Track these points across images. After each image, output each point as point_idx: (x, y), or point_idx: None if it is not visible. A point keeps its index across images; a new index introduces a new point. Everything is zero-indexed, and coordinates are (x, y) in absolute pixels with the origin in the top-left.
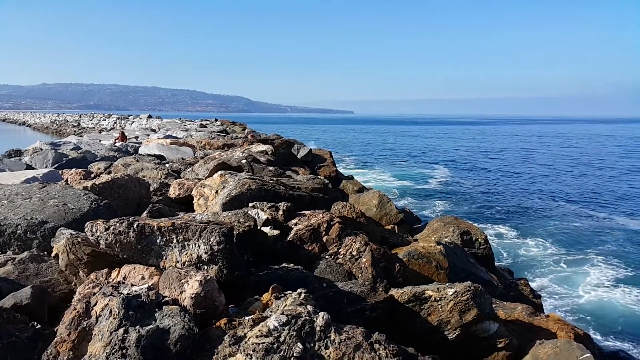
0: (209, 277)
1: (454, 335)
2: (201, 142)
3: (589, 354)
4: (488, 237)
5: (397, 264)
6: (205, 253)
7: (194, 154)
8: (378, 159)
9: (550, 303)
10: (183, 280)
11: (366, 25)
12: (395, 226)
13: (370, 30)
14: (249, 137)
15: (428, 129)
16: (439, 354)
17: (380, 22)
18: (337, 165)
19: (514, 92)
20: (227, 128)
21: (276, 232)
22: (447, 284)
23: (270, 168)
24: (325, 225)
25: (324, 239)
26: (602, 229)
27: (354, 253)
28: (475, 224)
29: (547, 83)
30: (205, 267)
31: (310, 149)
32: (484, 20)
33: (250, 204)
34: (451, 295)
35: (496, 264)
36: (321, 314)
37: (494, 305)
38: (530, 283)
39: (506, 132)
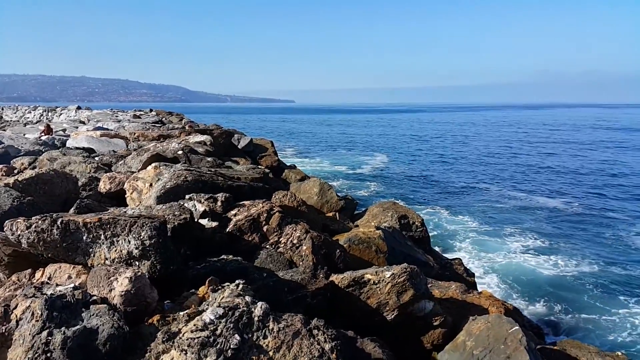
0: (139, 274)
1: (393, 316)
2: (134, 134)
3: (517, 327)
4: (424, 220)
5: (338, 250)
6: (137, 248)
7: (127, 146)
8: (321, 147)
9: (481, 279)
10: (112, 278)
11: (307, 14)
12: (337, 213)
13: (311, 19)
14: (187, 127)
15: (370, 117)
16: (378, 335)
17: (321, 11)
18: (280, 154)
19: (452, 80)
20: (163, 119)
21: (214, 223)
22: (385, 267)
23: (209, 159)
24: (265, 215)
25: (265, 228)
26: (524, 207)
27: (295, 241)
28: (412, 208)
29: (479, 71)
30: (137, 263)
31: (251, 139)
32: (425, 8)
33: (187, 196)
34: (389, 277)
35: (435, 247)
36: (259, 303)
37: (429, 285)
38: (464, 262)
39: (443, 119)
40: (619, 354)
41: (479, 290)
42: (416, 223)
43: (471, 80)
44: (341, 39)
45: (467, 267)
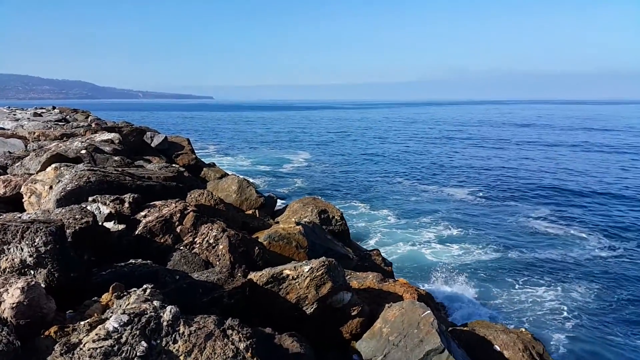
0: (33, 283)
1: (312, 310)
2: (34, 133)
3: (429, 311)
4: (344, 213)
5: (257, 248)
6: (30, 256)
7: (26, 146)
8: (243, 145)
9: (398, 267)
10: (2, 290)
11: (224, 8)
12: (256, 210)
13: (228, 13)
14: (93, 125)
15: (291, 114)
16: (298, 329)
17: (238, 6)
18: (201, 153)
19: (372, 78)
20: (67, 116)
21: (122, 226)
22: (304, 262)
23: (116, 158)
24: (178, 215)
25: (178, 229)
26: (436, 199)
27: (211, 241)
28: (332, 203)
29: (398, 69)
30: (32, 271)
31: (166, 137)
32: (342, 7)
33: (90, 198)
34: (307, 271)
35: (355, 240)
36: (169, 307)
37: (348, 277)
38: (382, 252)
39: (363, 116)
40: (523, 330)
41: (396, 278)
42: (336, 217)
43: (389, 77)
44: (261, 35)
45: (385, 257)
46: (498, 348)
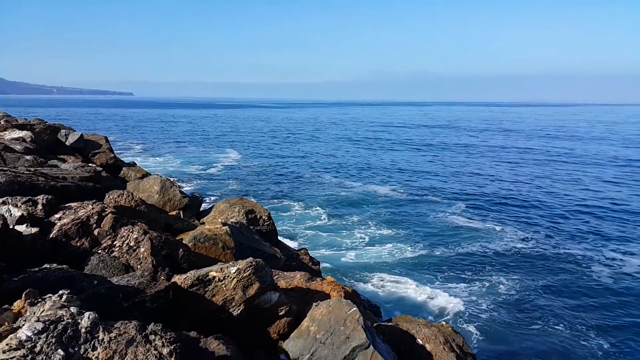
0: None
1: (239, 311)
2: None
3: (355, 308)
4: (272, 213)
5: (181, 250)
6: None
7: None
8: (169, 144)
9: (326, 266)
10: None
11: (147, 3)
12: (181, 211)
13: (152, 8)
14: (2, 122)
15: (219, 112)
16: (225, 331)
17: (159, 1)
18: (124, 153)
19: (302, 77)
20: None
21: (34, 229)
22: (230, 263)
23: (28, 157)
24: (96, 217)
25: (96, 232)
26: (363, 196)
27: (132, 244)
28: (261, 203)
29: (335, 69)
30: None
31: (82, 135)
32: (270, 6)
33: (0, 200)
34: (234, 273)
35: (284, 239)
36: (87, 314)
37: (275, 277)
38: (310, 251)
39: (290, 115)
40: (444, 323)
41: (323, 277)
42: (263, 217)
43: (316, 77)
44: (186, 30)
45: (312, 257)
46: (420, 342)
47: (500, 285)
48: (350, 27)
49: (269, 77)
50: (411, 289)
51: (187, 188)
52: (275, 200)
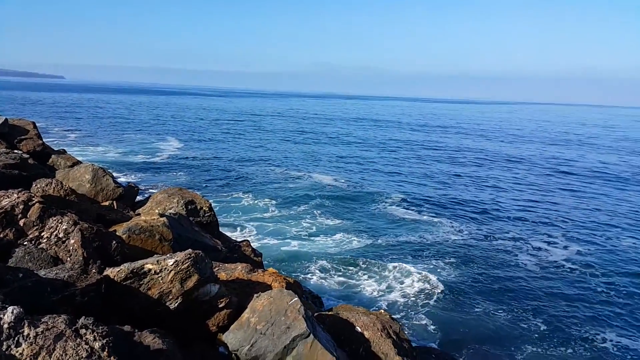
0: None
1: (177, 304)
2: None
3: (296, 298)
4: (214, 204)
5: (114, 242)
6: None
7: None
8: (105, 131)
9: (272, 255)
10: None
11: None
12: (114, 202)
13: None
14: None
15: (156, 99)
16: (162, 325)
17: None
18: (54, 140)
19: (243, 66)
20: None
21: None
22: (168, 255)
23: None
24: (22, 207)
25: (21, 222)
26: (309, 188)
27: (61, 235)
28: (202, 194)
29: (278, 59)
30: None
31: (6, 119)
32: None
33: None
34: (172, 265)
35: (226, 230)
36: (10, 308)
37: (216, 269)
38: (257, 242)
39: (235, 104)
40: (382, 311)
41: (265, 268)
42: (204, 208)
43: (257, 67)
44: (120, 11)
45: (255, 248)
46: (359, 329)
47: (439, 274)
48: (296, 16)
49: (208, 65)
50: (353, 278)
51: (127, 179)
52: (222, 192)
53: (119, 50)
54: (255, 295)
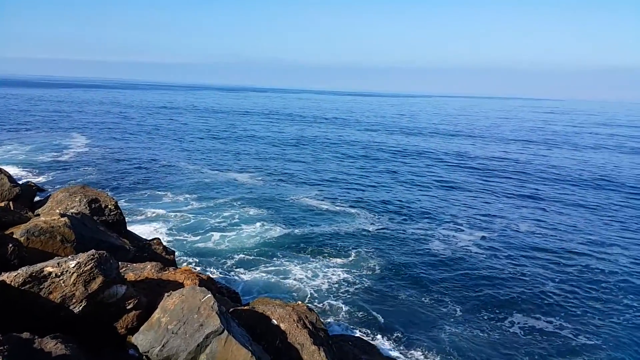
0: None
1: (81, 308)
2: None
3: (209, 295)
4: (126, 202)
5: (11, 245)
6: None
7: None
8: (6, 129)
9: (185, 254)
10: None
11: None
12: (10, 202)
13: None
14: None
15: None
16: (66, 330)
17: None
18: None
19: (153, 56)
20: None
21: None
22: (69, 257)
23: None
24: None
25: None
26: (225, 184)
27: None
28: (111, 192)
29: (190, 50)
30: None
31: None
32: None
33: None
34: (74, 267)
35: (136, 228)
36: None
37: (123, 269)
38: (171, 239)
39: (139, 97)
40: (299, 302)
41: (179, 266)
42: (109, 206)
43: (165, 57)
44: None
45: (166, 246)
46: (275, 322)
47: (358, 263)
48: (210, 8)
49: (117, 55)
50: (273, 271)
51: (32, 178)
52: (137, 189)
53: (20, 40)
54: (166, 294)
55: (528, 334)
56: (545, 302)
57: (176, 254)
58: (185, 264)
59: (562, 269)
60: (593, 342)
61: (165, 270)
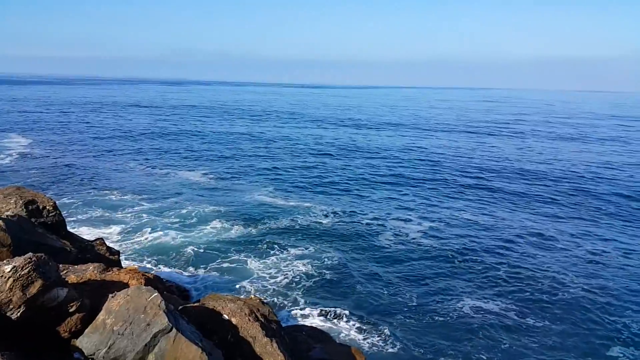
0: None
1: (19, 313)
2: None
3: (156, 294)
4: (70, 202)
5: None
6: None
7: None
8: None
9: (130, 254)
10: None
11: None
12: None
13: None
14: None
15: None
16: (5, 337)
17: None
18: None
19: (90, 50)
20: None
21: None
22: (5, 261)
23: None
24: None
25: None
26: (177, 183)
27: None
28: (52, 194)
29: (130, 43)
30: None
31: None
32: None
33: None
34: (9, 272)
35: (79, 229)
36: None
37: (64, 271)
38: (110, 241)
39: (80, 93)
40: (252, 296)
41: (125, 266)
42: (47, 207)
43: (102, 51)
44: None
45: (111, 246)
46: (226, 316)
47: (314, 255)
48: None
49: (50, 50)
50: (228, 267)
51: None
52: (82, 190)
53: None
54: (111, 295)
55: (478, 315)
56: (492, 284)
57: (127, 253)
58: (134, 263)
59: (506, 252)
60: (542, 324)
61: (109, 271)
